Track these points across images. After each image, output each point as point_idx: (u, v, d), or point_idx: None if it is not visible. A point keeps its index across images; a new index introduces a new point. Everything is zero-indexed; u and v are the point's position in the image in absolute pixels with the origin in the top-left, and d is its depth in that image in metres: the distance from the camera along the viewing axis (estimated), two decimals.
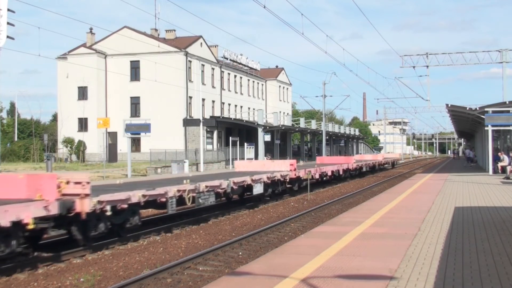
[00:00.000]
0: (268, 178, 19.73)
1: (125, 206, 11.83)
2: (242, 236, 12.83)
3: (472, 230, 10.39)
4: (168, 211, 13.68)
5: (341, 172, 31.97)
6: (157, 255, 11.26)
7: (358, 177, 38.21)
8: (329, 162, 35.15)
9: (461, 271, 7.02)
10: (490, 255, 8.01)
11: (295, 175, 22.39)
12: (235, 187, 17.28)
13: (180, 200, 14.05)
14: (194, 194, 14.54)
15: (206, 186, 15.19)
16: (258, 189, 18.78)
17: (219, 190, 16.28)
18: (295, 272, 7.08)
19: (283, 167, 22.29)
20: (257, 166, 23.87)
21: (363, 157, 51.83)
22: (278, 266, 7.53)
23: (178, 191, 13.82)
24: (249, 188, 18.59)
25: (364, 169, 40.30)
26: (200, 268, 9.95)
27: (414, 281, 6.55)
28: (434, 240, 9.28)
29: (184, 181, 14.71)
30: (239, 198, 20.14)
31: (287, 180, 21.79)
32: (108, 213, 11.20)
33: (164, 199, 13.32)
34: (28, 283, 9.20)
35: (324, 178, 29.90)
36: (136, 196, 12.20)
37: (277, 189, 21.13)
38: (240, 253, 11.35)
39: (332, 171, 29.66)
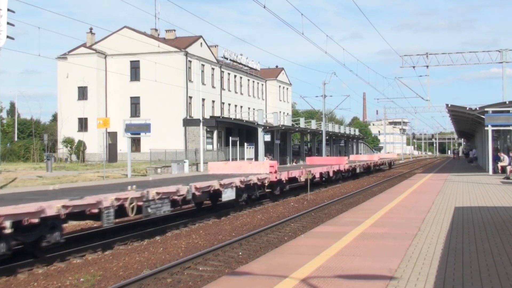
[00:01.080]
0: (241, 182, 17.46)
1: (36, 220, 9.62)
2: (242, 236, 12.83)
3: (472, 230, 10.39)
4: (103, 223, 11.44)
5: (331, 174, 29.82)
6: (157, 255, 11.26)
7: (352, 179, 36.23)
8: (319, 163, 32.93)
9: (461, 271, 7.02)
10: (490, 255, 8.01)
11: (276, 178, 20.33)
12: (198, 193, 14.95)
13: (122, 210, 11.94)
14: (141, 203, 12.33)
15: (158, 193, 12.92)
16: (228, 195, 16.57)
17: (176, 197, 13.85)
18: (295, 272, 7.08)
19: (262, 169, 20.36)
20: (233, 168, 21.59)
21: (358, 157, 49.69)
22: (278, 266, 7.53)
23: (118, 199, 11.67)
24: (218, 193, 16.42)
25: (358, 170, 37.93)
26: (200, 268, 9.95)
27: (414, 281, 6.55)
28: (434, 240, 9.28)
29: (129, 187, 12.60)
30: (212, 205, 18.40)
31: (266, 184, 19.69)
32: (8, 231, 9.01)
33: (96, 210, 11.09)
34: (28, 283, 9.20)
35: (314, 180, 28.09)
36: (53, 207, 10.00)
37: (254, 194, 19.07)
38: (240, 253, 11.35)
39: (321, 173, 27.82)
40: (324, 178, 30.40)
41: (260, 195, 20.29)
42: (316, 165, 31.12)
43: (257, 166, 21.09)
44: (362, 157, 50.66)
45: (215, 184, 15.96)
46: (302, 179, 23.68)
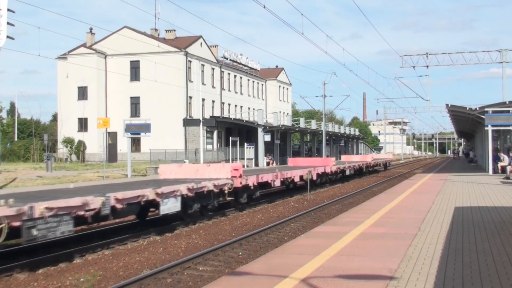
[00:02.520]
0: (190, 189, 14.44)
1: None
2: (242, 236, 12.82)
3: (472, 230, 10.39)
4: None
5: (314, 177, 26.08)
6: (157, 255, 11.26)
7: (340, 182, 33.04)
8: (302, 165, 29.74)
9: (461, 271, 7.02)
10: (490, 255, 8.01)
11: (241, 183, 17.27)
12: (120, 205, 11.65)
13: None
14: (18, 223, 9.14)
15: (50, 209, 9.72)
16: (169, 206, 13.54)
17: (83, 213, 10.65)
18: (295, 272, 7.08)
19: (222, 174, 17.27)
20: (188, 172, 18.21)
21: (350, 158, 46.05)
22: (278, 266, 7.52)
23: None
24: (154, 205, 13.50)
25: (348, 172, 34.50)
26: (200, 268, 9.95)
27: (414, 281, 6.54)
28: (434, 240, 9.28)
29: (1, 202, 9.36)
30: (139, 220, 15.12)
31: (227, 191, 16.67)
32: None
33: None
34: (28, 283, 9.19)
35: (291, 186, 25.93)
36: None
37: (211, 203, 16.07)
38: (240, 253, 11.35)
39: (301, 176, 24.49)
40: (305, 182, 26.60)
41: (223, 204, 17.79)
42: (297, 167, 27.98)
43: (217, 170, 17.61)
44: (354, 157, 47.06)
45: (148, 194, 12.69)
46: (277, 184, 20.78)
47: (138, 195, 12.50)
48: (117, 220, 14.39)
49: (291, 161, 33.20)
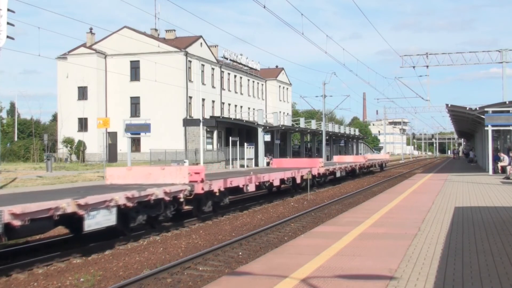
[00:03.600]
0: (129, 198, 12.03)
1: None
2: (242, 236, 12.83)
3: (472, 230, 10.39)
4: None
5: (298, 180, 23.88)
6: (157, 255, 11.26)
7: (331, 185, 30.73)
8: (288, 166, 27.42)
9: (461, 271, 7.02)
10: (490, 255, 8.01)
11: (203, 189, 14.98)
12: (19, 222, 9.21)
13: None
14: None
15: None
16: (99, 220, 11.18)
17: None
18: (295, 272, 7.08)
19: (179, 178, 14.86)
20: (139, 176, 15.68)
21: (342, 158, 43.67)
22: (278, 266, 7.53)
23: None
24: (77, 220, 10.87)
25: (338, 174, 31.89)
26: (200, 268, 9.95)
27: (414, 281, 6.54)
28: (434, 240, 9.28)
29: None
30: (73, 235, 12.54)
31: (182, 198, 14.28)
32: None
33: None
34: (28, 283, 9.20)
35: (273, 189, 23.86)
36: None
37: (162, 214, 13.65)
38: (240, 253, 11.35)
39: (283, 179, 22.39)
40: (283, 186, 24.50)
41: (183, 213, 15.61)
42: (279, 168, 25.86)
43: (173, 174, 15.09)
44: (347, 158, 44.83)
45: (64, 206, 10.25)
46: (250, 188, 18.48)
47: (49, 208, 9.93)
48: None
49: (276, 162, 30.82)
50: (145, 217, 12.96)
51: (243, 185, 17.95)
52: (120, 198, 11.72)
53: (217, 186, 15.92)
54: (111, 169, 17.03)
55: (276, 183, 21.76)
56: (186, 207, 15.53)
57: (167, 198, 13.50)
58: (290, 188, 24.97)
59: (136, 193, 12.34)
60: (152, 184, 14.30)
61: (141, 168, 16.93)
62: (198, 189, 14.84)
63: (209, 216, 16.85)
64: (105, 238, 12.60)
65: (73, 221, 10.99)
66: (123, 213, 12.03)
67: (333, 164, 34.42)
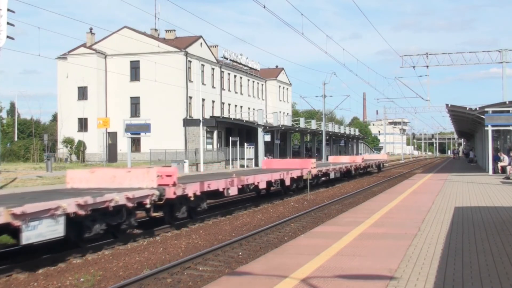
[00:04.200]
0: (82, 205, 10.53)
1: None
2: (242, 236, 12.83)
3: (472, 230, 10.39)
4: None
5: (287, 182, 22.48)
6: (157, 255, 11.26)
7: (324, 187, 29.20)
8: (278, 167, 26.11)
9: (461, 271, 7.02)
10: (490, 255, 8.01)
11: (175, 193, 13.61)
12: None
13: None
14: None
15: None
16: (42, 231, 9.68)
17: None
18: (295, 272, 7.08)
19: (146, 181, 13.30)
20: (102, 179, 14.12)
21: (338, 159, 42.30)
22: (278, 266, 7.53)
23: None
24: (13, 231, 9.54)
25: (332, 175, 30.20)
26: (200, 268, 9.95)
27: (414, 281, 6.55)
28: (434, 240, 9.28)
29: None
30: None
31: (149, 205, 12.91)
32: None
33: None
34: (28, 283, 9.20)
35: (262, 192, 22.61)
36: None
37: (125, 222, 12.26)
38: (240, 253, 11.35)
39: (270, 181, 20.86)
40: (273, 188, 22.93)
41: (154, 221, 14.67)
42: (268, 170, 24.33)
43: (139, 177, 13.60)
44: (342, 158, 43.58)
45: None
46: (232, 192, 17.06)
47: None
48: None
49: (265, 162, 28.75)
50: (104, 226, 11.53)
51: (223, 189, 16.52)
52: (69, 205, 10.24)
53: (192, 190, 14.55)
54: (72, 171, 15.10)
55: (262, 185, 20.00)
56: (155, 214, 14.38)
57: (130, 205, 12.05)
58: (280, 190, 23.58)
59: (90, 200, 10.80)
60: (116, 189, 12.82)
61: (106, 171, 15.32)
62: (170, 193, 13.44)
63: (209, 216, 16.84)
64: (105, 238, 12.60)
65: (15, 231, 9.43)
66: (75, 222, 10.65)
67: (327, 164, 32.88)
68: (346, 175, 35.67)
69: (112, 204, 11.43)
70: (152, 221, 14.59)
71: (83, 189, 13.26)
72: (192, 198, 14.58)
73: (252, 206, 20.05)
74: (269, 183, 20.90)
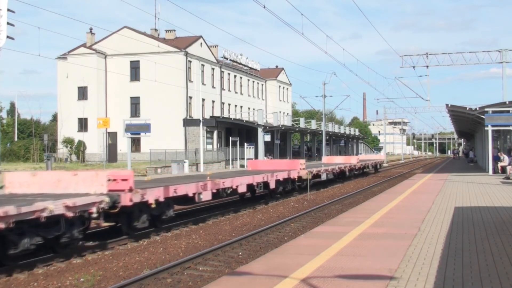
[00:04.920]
0: (2, 217, 8.91)
1: None
2: (242, 236, 12.83)
3: (472, 230, 10.39)
4: None
5: (272, 185, 20.80)
6: (157, 255, 11.26)
7: (315, 189, 26.67)
8: (263, 168, 24.65)
9: (461, 271, 7.02)
10: (490, 255, 8.01)
11: (132, 200, 11.97)
12: None
13: None
14: None
15: None
16: None
17: None
18: (295, 272, 7.08)
19: (95, 187, 11.64)
20: (46, 183, 12.33)
21: (332, 159, 40.70)
22: (278, 266, 7.53)
23: None
24: None
25: (324, 177, 28.29)
26: (200, 268, 9.95)
27: (414, 281, 6.55)
28: (434, 240, 9.28)
29: None
30: None
31: (96, 214, 11.09)
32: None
33: None
34: (28, 283, 9.20)
35: (246, 196, 21.24)
36: None
37: (66, 235, 10.65)
38: (240, 253, 11.35)
39: (251, 185, 19.05)
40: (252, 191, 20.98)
41: (114, 229, 13.26)
42: (253, 171, 22.79)
43: (87, 181, 11.86)
44: (337, 159, 41.74)
45: None
46: (205, 197, 15.46)
47: None
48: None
49: (251, 164, 27.16)
50: (37, 240, 9.93)
51: (194, 194, 14.86)
52: None
53: (153, 195, 12.90)
54: (11, 174, 13.35)
55: (242, 189, 18.12)
56: (106, 224, 12.82)
57: (70, 214, 10.31)
58: (267, 194, 22.00)
59: (11, 210, 9.02)
60: (59, 195, 11.29)
61: (49, 174, 13.66)
62: (125, 200, 11.82)
63: (209, 216, 16.84)
64: (105, 238, 12.61)
65: None
66: None
67: (319, 165, 30.87)
68: (341, 176, 34.27)
69: (45, 214, 9.71)
70: (112, 230, 13.16)
71: (21, 195, 11.63)
72: (153, 205, 12.93)
73: (232, 211, 18.36)
74: (250, 187, 19.13)
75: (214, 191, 16.08)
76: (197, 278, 9.19)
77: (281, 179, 21.83)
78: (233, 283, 6.81)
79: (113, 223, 13.19)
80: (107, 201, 11.32)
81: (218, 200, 19.37)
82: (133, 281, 8.69)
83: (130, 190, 12.06)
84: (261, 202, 21.04)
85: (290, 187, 23.41)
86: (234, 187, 17.43)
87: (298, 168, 23.77)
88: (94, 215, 11.13)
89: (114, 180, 12.01)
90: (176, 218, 16.39)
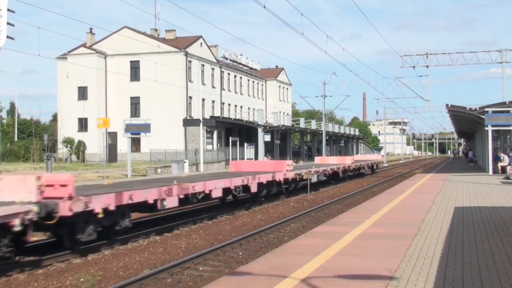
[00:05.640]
0: None
1: None
2: (242, 236, 12.83)
3: (472, 230, 10.39)
4: None
5: (253, 189, 18.97)
6: (157, 255, 11.26)
7: (302, 192, 24.71)
8: (247, 170, 22.99)
9: (461, 271, 7.02)
10: (490, 255, 8.01)
11: (72, 210, 10.28)
12: None
13: None
14: None
15: None
16: None
17: None
18: (295, 272, 7.08)
19: (22, 194, 9.82)
20: None
21: (325, 160, 39.05)
22: (278, 266, 7.53)
23: None
24: None
25: (315, 179, 26.12)
26: (200, 268, 9.95)
27: (414, 281, 6.54)
28: (434, 240, 9.28)
29: None
30: None
31: (19, 227, 9.35)
32: None
33: None
34: (28, 283, 9.20)
35: (228, 200, 19.58)
36: None
37: None
38: (240, 253, 11.35)
39: (227, 188, 17.11)
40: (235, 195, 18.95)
41: (54, 243, 11.61)
42: (236, 173, 21.26)
43: (13, 186, 9.99)
44: (330, 159, 39.72)
45: None
46: (169, 204, 13.66)
47: None
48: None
49: (233, 165, 25.19)
50: None
51: (156, 200, 13.07)
52: None
53: (101, 203, 11.10)
54: None
55: (217, 194, 16.30)
56: (35, 239, 11.44)
57: None
58: (250, 198, 20.37)
59: None
60: None
61: None
62: (64, 209, 10.15)
63: (209, 216, 16.82)
64: (104, 238, 12.61)
65: None
66: None
67: (309, 166, 28.91)
68: (334, 178, 32.23)
69: None
70: (56, 243, 11.52)
71: None
72: (100, 215, 11.08)
73: (206, 218, 16.49)
74: (227, 191, 17.26)
75: (182, 196, 14.29)
76: (197, 278, 9.19)
77: (264, 182, 20.01)
78: (233, 283, 6.81)
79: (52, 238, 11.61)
80: (36, 211, 9.62)
81: (191, 206, 17.58)
82: (133, 281, 8.69)
83: (70, 197, 10.30)
84: (242, 208, 19.20)
85: (275, 190, 21.54)
86: (206, 191, 15.61)
87: (284, 169, 22.10)
88: (16, 229, 9.26)
89: (51, 185, 10.30)
90: (176, 218, 16.45)
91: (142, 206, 13.15)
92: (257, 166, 24.23)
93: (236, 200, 20.06)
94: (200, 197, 15.52)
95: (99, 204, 11.08)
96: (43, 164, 41.50)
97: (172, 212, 17.24)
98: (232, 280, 7.00)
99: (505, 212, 13.07)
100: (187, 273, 9.55)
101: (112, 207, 11.50)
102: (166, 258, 11.01)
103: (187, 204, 15.95)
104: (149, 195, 12.86)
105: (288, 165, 22.72)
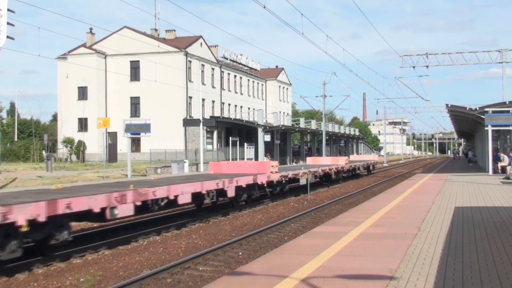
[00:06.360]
0: None
1: None
2: (242, 236, 12.83)
3: (472, 230, 10.38)
4: None
5: (230, 193, 17.09)
6: (157, 255, 11.26)
7: (293, 195, 23.96)
8: (227, 171, 21.38)
9: (461, 271, 7.02)
10: (490, 255, 8.01)
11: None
12: None
13: None
14: None
15: None
16: None
17: None
18: (295, 272, 7.08)
19: None
20: None
21: (318, 160, 37.39)
22: (278, 266, 7.52)
23: None
24: None
25: (303, 181, 24.13)
26: (200, 268, 9.95)
27: (414, 281, 6.54)
28: (434, 240, 9.28)
29: None
30: None
31: None
32: None
33: None
34: (28, 283, 9.20)
35: (206, 205, 18.05)
36: None
37: None
38: (240, 253, 11.35)
39: (198, 193, 15.24)
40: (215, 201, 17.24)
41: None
42: (213, 175, 19.32)
43: None
44: (323, 160, 38.08)
45: None
46: (122, 212, 11.75)
47: None
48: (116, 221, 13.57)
49: (213, 166, 22.88)
50: None
51: (103, 208, 11.22)
52: None
53: (26, 214, 9.32)
54: None
55: (185, 200, 14.33)
56: None
57: None
58: (230, 202, 18.75)
59: None
60: None
61: None
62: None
63: (209, 216, 16.81)
64: (104, 238, 12.62)
65: None
66: None
67: (298, 168, 27.06)
68: (326, 179, 30.33)
69: None
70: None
71: None
72: (24, 229, 9.27)
73: (173, 228, 14.69)
74: (197, 196, 15.39)
75: (139, 203, 12.36)
76: (197, 278, 9.19)
77: (244, 186, 18.02)
78: (233, 283, 6.81)
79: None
80: None
81: (152, 215, 15.75)
82: (133, 281, 8.69)
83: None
84: (219, 213, 17.49)
85: (257, 194, 19.77)
86: (171, 197, 13.69)
87: (268, 171, 20.28)
88: None
89: None
90: (175, 218, 16.44)
91: (88, 215, 11.30)
92: (239, 168, 22.20)
93: (216, 205, 18.32)
94: (162, 203, 13.53)
95: (23, 215, 9.23)
96: (43, 164, 41.50)
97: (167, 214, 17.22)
98: (232, 280, 7.00)
99: (505, 212, 13.06)
100: (187, 273, 9.55)
101: (42, 218, 9.63)
102: (166, 258, 11.01)
103: (147, 212, 13.83)
104: (94, 202, 10.91)
105: (272, 166, 20.90)
